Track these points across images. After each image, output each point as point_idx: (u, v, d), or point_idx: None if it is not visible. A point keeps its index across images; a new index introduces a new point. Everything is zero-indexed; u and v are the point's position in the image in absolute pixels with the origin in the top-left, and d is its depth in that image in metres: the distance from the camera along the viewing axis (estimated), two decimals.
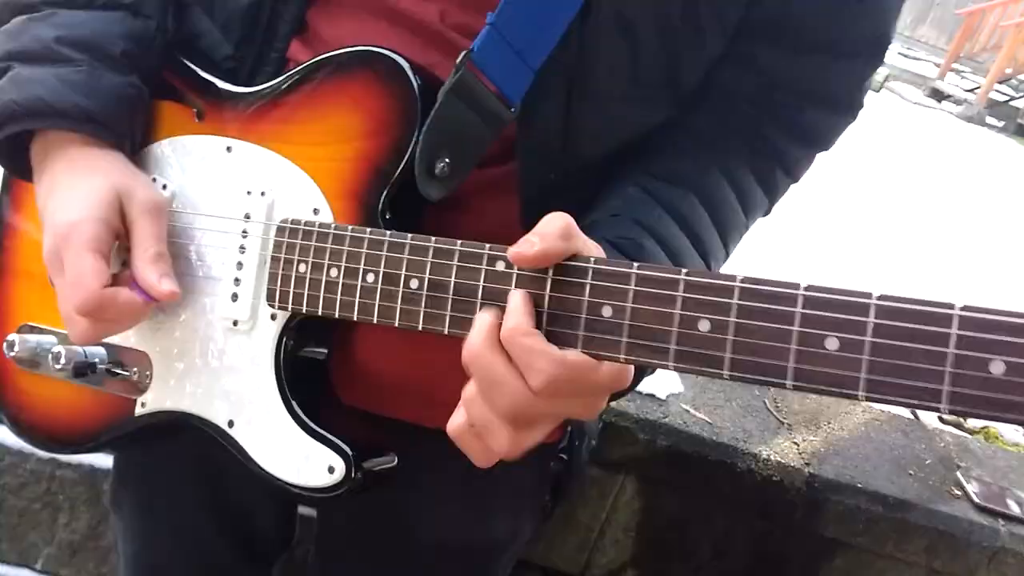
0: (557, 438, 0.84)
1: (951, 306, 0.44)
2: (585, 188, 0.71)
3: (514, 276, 0.57)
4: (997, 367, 0.43)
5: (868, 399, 0.47)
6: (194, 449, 0.79)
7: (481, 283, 0.58)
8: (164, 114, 0.72)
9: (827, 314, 0.47)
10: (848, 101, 0.75)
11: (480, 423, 0.56)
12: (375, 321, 0.62)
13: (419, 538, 0.83)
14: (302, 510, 0.99)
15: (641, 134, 0.72)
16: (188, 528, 0.88)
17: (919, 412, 1.66)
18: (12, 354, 0.73)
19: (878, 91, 7.02)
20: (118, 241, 0.66)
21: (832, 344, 0.47)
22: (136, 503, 0.89)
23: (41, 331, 0.75)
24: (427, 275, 0.60)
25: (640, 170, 0.70)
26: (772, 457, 1.37)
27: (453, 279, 0.59)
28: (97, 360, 0.72)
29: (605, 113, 0.68)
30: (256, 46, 0.71)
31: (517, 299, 0.55)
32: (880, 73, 7.30)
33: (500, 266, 0.57)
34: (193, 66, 0.72)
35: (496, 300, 0.57)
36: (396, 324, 0.61)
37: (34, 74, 0.64)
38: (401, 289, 0.61)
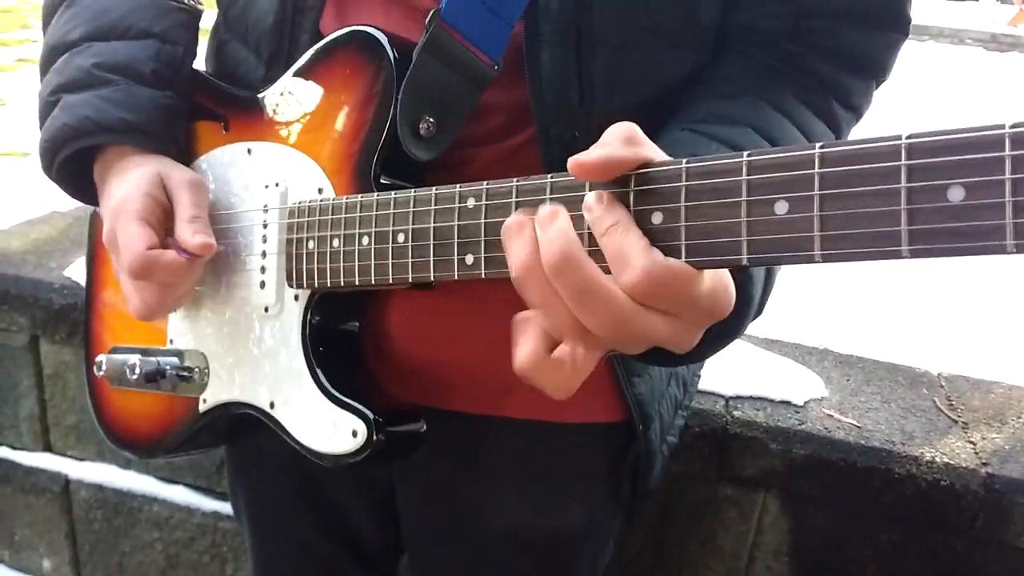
0: (620, 418, 0.79)
1: (898, 137, 0.40)
2: None
3: (483, 209, 0.57)
4: (956, 193, 0.38)
5: (826, 259, 0.43)
6: (277, 445, 0.78)
7: (455, 222, 0.58)
8: (200, 134, 0.79)
9: (774, 175, 0.44)
10: (890, 14, 0.69)
11: (573, 343, 0.50)
12: (373, 282, 0.63)
13: (492, 526, 0.81)
14: None
15: (669, 84, 0.69)
16: (292, 529, 0.91)
17: None
18: (101, 373, 0.82)
19: None
20: (166, 216, 0.71)
21: (782, 208, 0.44)
22: (247, 503, 0.94)
23: (128, 351, 0.84)
24: (411, 226, 0.61)
25: (682, 118, 0.66)
26: (937, 459, 1.19)
27: (432, 225, 0.59)
28: (168, 367, 0.78)
29: (621, 60, 0.65)
30: (283, 60, 0.75)
31: (600, 194, 0.48)
32: None
33: (471, 202, 0.57)
34: (219, 82, 0.79)
35: (471, 237, 0.57)
36: (391, 281, 0.62)
37: (79, 99, 0.73)
38: (391, 245, 0.62)
